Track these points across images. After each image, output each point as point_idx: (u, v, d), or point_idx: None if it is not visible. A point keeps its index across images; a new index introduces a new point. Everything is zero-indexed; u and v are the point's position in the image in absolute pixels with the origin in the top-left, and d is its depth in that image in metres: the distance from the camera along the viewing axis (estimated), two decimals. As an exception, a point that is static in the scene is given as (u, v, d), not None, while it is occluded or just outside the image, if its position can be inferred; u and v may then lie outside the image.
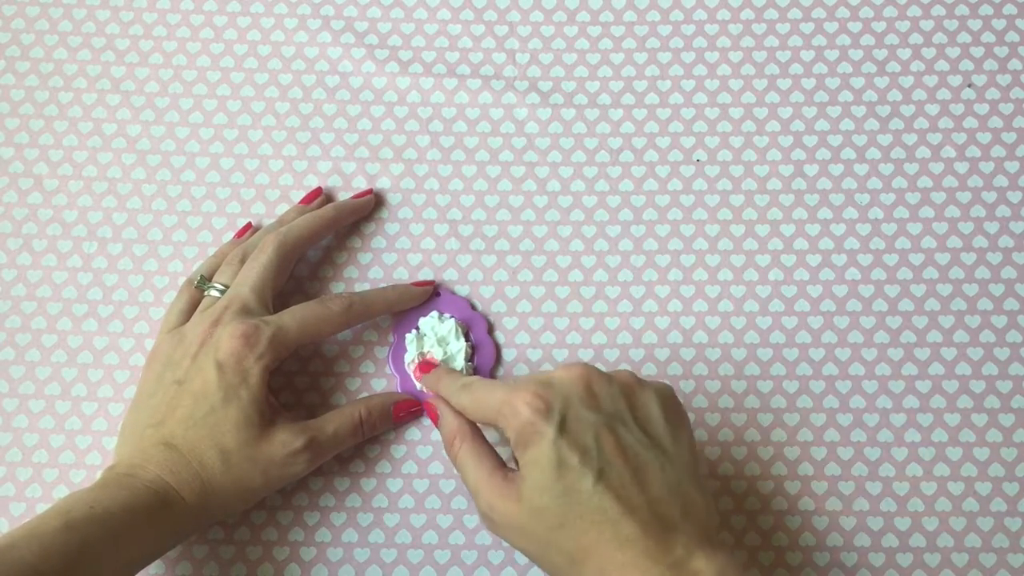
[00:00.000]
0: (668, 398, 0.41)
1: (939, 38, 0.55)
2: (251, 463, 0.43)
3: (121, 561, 0.40)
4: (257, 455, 0.44)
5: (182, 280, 0.50)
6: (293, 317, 0.46)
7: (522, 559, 0.47)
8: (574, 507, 0.38)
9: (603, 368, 0.41)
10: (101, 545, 0.39)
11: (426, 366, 0.48)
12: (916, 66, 0.55)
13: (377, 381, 0.50)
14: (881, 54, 0.55)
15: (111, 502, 0.40)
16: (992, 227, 0.52)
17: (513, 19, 0.56)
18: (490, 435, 0.43)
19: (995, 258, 0.51)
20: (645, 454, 0.39)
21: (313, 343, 0.48)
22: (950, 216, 0.52)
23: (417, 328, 0.50)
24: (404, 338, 0.50)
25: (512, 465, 0.41)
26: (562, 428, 0.38)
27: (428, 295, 0.51)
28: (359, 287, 0.52)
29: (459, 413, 0.43)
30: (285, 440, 0.44)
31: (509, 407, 0.39)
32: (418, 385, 0.49)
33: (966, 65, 0.54)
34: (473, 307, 0.51)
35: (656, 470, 0.38)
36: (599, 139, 0.54)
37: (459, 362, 0.49)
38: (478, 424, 0.43)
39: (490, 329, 0.51)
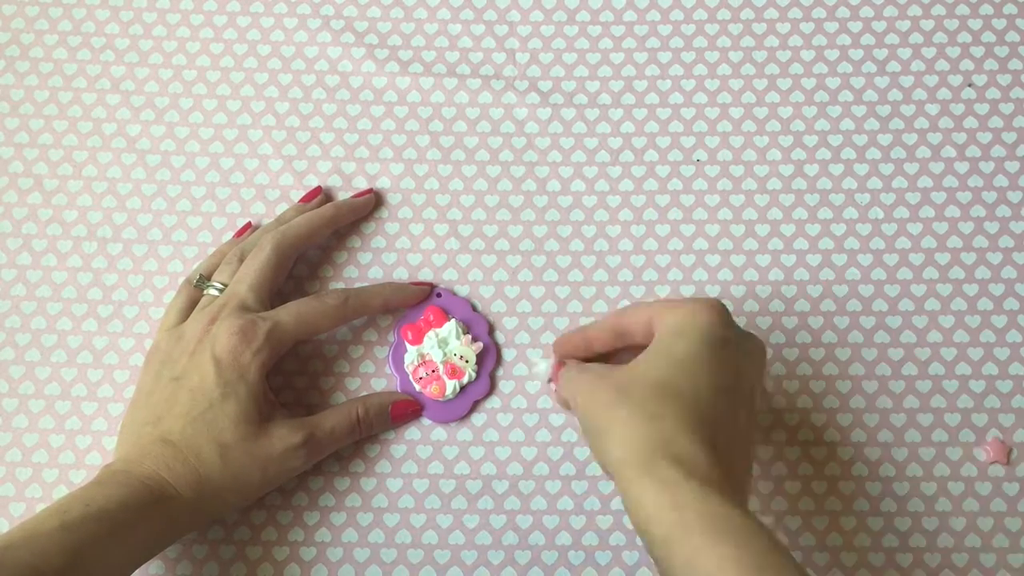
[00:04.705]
0: None
1: (939, 38, 0.55)
2: (249, 458, 0.44)
3: (119, 557, 0.40)
4: (255, 450, 0.44)
5: (182, 280, 0.50)
6: (289, 312, 0.46)
7: (523, 559, 0.47)
8: (678, 399, 0.38)
9: None
10: (98, 543, 0.39)
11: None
12: (916, 66, 0.54)
13: (377, 381, 0.50)
14: (881, 54, 0.55)
15: (106, 500, 0.40)
16: (992, 227, 0.52)
17: (513, 19, 0.56)
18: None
19: (995, 258, 0.51)
20: (751, 418, 0.40)
21: (310, 338, 0.48)
22: (950, 216, 0.52)
23: (417, 328, 0.50)
24: (404, 338, 0.50)
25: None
26: (726, 343, 0.39)
27: (425, 294, 0.51)
28: (358, 287, 0.51)
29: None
30: (283, 435, 0.44)
31: (695, 302, 0.41)
32: (417, 387, 0.49)
33: (966, 65, 0.54)
34: (474, 308, 0.51)
35: (752, 439, 0.40)
36: (599, 139, 0.54)
37: (452, 344, 0.49)
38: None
39: (490, 330, 0.51)
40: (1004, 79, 0.54)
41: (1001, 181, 0.53)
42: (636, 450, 0.36)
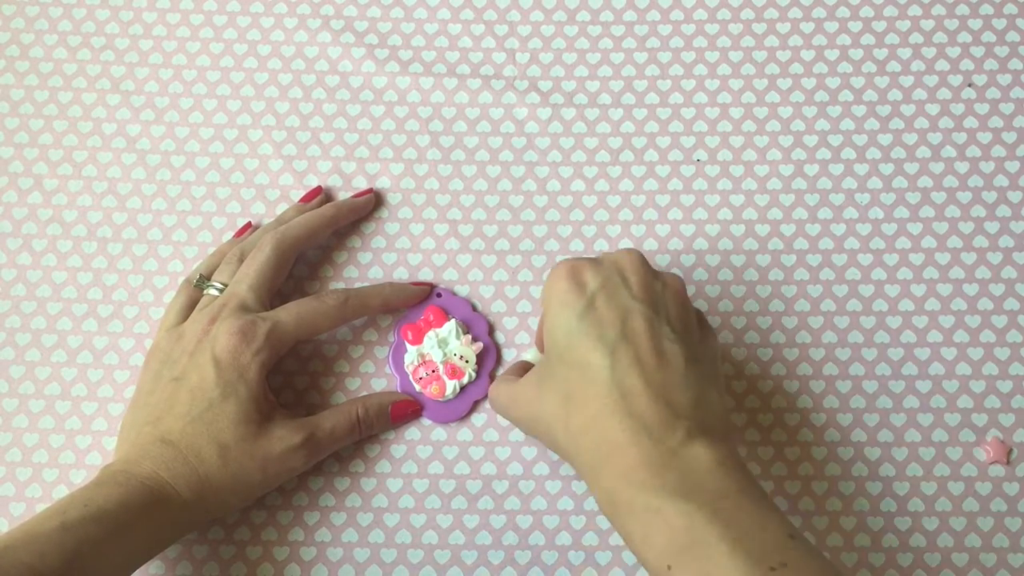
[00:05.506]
0: (704, 318, 0.44)
1: (939, 37, 0.55)
2: (249, 458, 0.44)
3: (119, 558, 0.40)
4: (255, 450, 0.44)
5: (182, 280, 0.50)
6: (289, 313, 0.46)
7: (523, 559, 0.47)
8: (582, 379, 0.39)
9: None
10: (98, 543, 0.39)
11: None
12: (916, 66, 0.54)
13: (377, 381, 0.50)
14: (881, 54, 0.55)
15: (106, 500, 0.40)
16: (992, 227, 0.52)
17: (513, 19, 0.56)
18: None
19: (995, 258, 0.51)
20: (671, 345, 0.39)
21: (310, 338, 0.48)
22: (950, 216, 0.52)
23: (417, 328, 0.50)
24: (404, 338, 0.50)
25: None
26: (591, 303, 0.40)
27: (425, 294, 0.51)
28: (358, 287, 0.51)
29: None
30: (283, 436, 0.44)
31: (553, 274, 0.41)
32: (417, 387, 0.49)
33: (967, 65, 0.54)
34: (474, 308, 0.51)
35: (679, 360, 0.39)
36: (599, 139, 0.54)
37: (452, 344, 0.49)
38: None
39: (490, 330, 0.51)
40: (1004, 79, 0.54)
41: (1001, 181, 0.53)
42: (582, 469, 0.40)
